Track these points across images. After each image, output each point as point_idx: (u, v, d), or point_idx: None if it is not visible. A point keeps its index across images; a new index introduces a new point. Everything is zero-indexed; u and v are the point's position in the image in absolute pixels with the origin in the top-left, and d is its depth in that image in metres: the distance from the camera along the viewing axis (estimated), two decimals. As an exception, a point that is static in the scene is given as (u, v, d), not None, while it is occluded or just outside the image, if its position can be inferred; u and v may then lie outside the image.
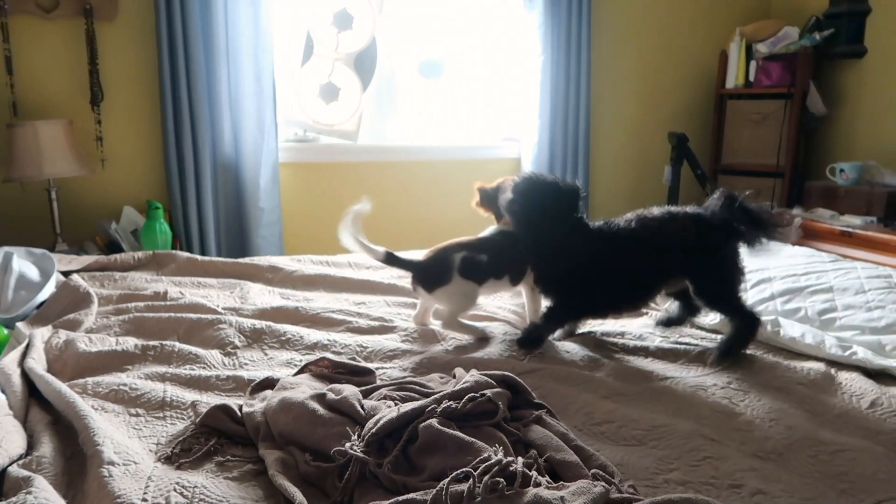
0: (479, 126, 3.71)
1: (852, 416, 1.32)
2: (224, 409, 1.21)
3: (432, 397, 1.15)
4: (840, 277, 1.97)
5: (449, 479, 0.93)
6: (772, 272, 2.06)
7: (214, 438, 1.15)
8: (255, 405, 1.22)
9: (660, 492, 1.04)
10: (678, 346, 1.68)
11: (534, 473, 0.96)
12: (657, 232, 1.64)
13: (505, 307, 2.00)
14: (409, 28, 3.50)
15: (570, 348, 1.65)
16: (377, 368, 1.48)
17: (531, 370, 1.49)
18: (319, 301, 2.01)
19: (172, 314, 1.76)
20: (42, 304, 1.86)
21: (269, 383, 1.35)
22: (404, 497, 0.93)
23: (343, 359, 1.51)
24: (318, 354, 1.57)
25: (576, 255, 1.64)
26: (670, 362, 1.60)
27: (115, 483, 0.98)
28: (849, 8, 3.47)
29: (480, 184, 1.85)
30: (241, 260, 2.35)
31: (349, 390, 1.20)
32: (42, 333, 1.61)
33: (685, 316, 1.80)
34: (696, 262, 1.64)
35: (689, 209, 1.72)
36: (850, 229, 3.05)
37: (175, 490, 1.00)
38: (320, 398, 1.17)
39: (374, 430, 1.07)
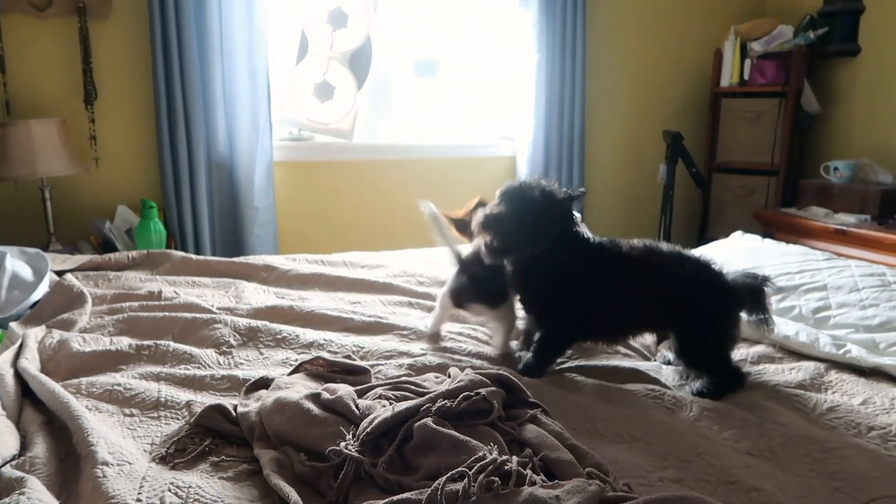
0: (474, 125, 3.71)
1: (845, 415, 1.33)
2: (219, 409, 1.20)
3: (427, 396, 1.15)
4: (834, 276, 1.97)
5: (444, 478, 0.93)
6: (766, 270, 2.06)
7: (209, 438, 1.15)
8: (249, 405, 1.22)
9: (654, 490, 1.05)
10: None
11: (529, 472, 0.96)
12: (657, 267, 1.47)
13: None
14: (404, 27, 3.50)
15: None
16: (372, 367, 1.48)
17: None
18: (314, 300, 2.00)
19: (167, 314, 1.75)
20: (36, 303, 1.85)
21: (263, 383, 1.34)
22: (399, 497, 0.92)
23: (339, 358, 1.51)
24: (313, 353, 1.57)
25: (572, 271, 1.47)
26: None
27: (109, 483, 0.98)
28: (843, 6, 3.48)
29: (463, 212, 1.79)
30: (235, 259, 2.34)
31: (344, 390, 1.20)
32: (35, 333, 1.60)
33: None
34: (685, 316, 1.47)
35: (702, 259, 1.52)
36: (844, 227, 3.06)
37: (170, 490, 0.99)
38: (315, 398, 1.17)
39: (368, 429, 1.06)
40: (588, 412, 1.30)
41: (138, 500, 0.96)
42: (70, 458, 1.10)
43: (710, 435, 1.23)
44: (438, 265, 2.27)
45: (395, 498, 0.93)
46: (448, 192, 3.55)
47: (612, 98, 3.78)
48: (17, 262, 1.98)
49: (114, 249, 2.73)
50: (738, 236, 2.58)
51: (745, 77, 3.63)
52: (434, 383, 1.31)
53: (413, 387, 1.27)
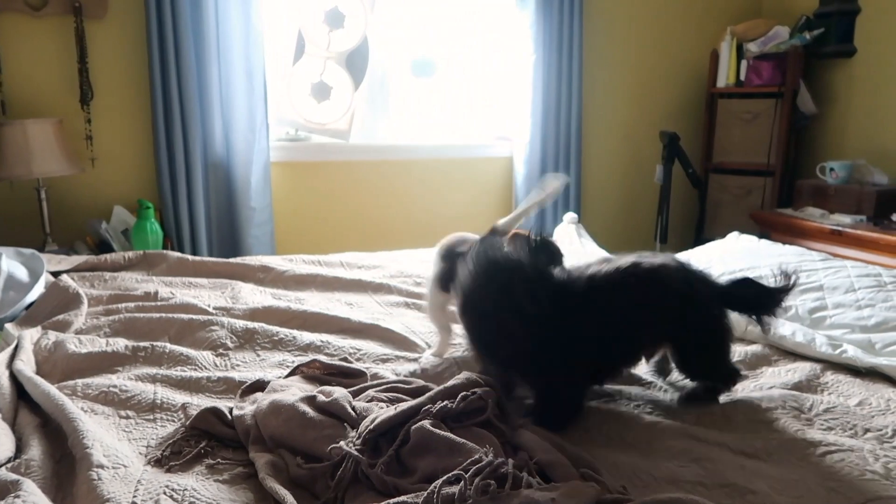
0: (471, 125, 3.71)
1: (840, 416, 1.33)
2: (214, 412, 1.20)
3: (427, 395, 1.15)
4: (830, 276, 1.98)
5: (440, 480, 0.93)
6: (762, 270, 2.07)
7: (204, 441, 1.15)
8: (245, 408, 1.22)
9: (650, 491, 1.05)
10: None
11: (524, 474, 0.96)
12: (633, 289, 1.33)
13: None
14: (401, 27, 3.49)
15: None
16: (368, 369, 1.47)
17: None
18: (311, 301, 2.00)
19: (163, 315, 1.75)
20: (31, 304, 1.84)
21: (259, 386, 1.34)
22: (396, 500, 0.92)
23: (335, 360, 1.51)
24: (310, 355, 1.57)
25: (545, 329, 1.26)
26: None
27: (104, 486, 0.98)
28: (838, 8, 3.48)
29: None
30: (232, 260, 2.34)
31: (339, 392, 1.20)
32: (31, 335, 1.60)
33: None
34: (678, 330, 1.37)
35: (682, 265, 1.39)
36: (839, 228, 3.07)
37: (165, 493, 0.99)
38: (310, 400, 1.17)
39: (371, 426, 1.06)
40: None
41: (133, 502, 0.96)
42: (65, 461, 1.10)
43: (705, 437, 1.23)
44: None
45: (392, 501, 0.93)
46: (445, 193, 3.56)
47: (609, 98, 3.78)
48: (12, 263, 1.98)
49: (110, 250, 2.73)
50: (734, 237, 2.59)
51: (742, 78, 3.64)
52: (426, 383, 1.32)
53: (405, 388, 1.27)
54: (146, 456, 1.12)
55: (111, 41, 2.91)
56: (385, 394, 1.23)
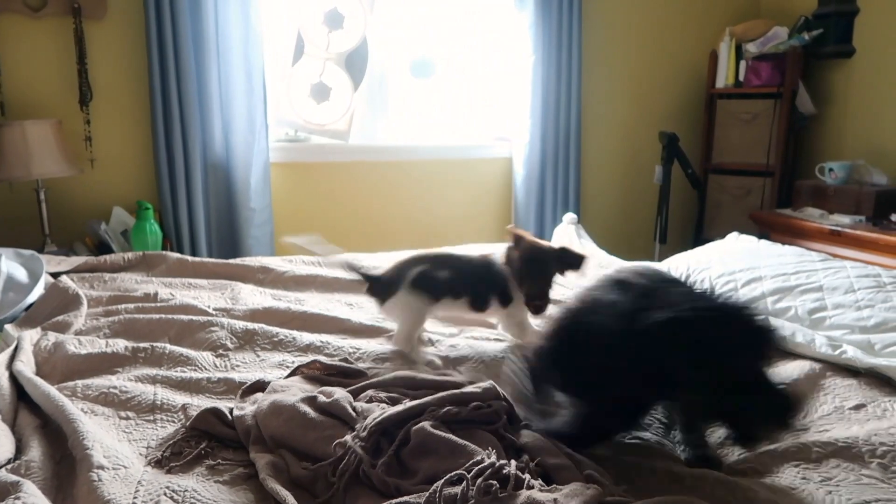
0: (470, 125, 3.71)
1: (837, 421, 1.32)
2: (214, 413, 1.20)
3: (435, 397, 1.14)
4: (830, 276, 1.98)
5: (442, 481, 0.93)
6: (762, 271, 2.07)
7: (205, 442, 1.15)
8: (245, 408, 1.22)
9: (650, 488, 1.05)
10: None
11: (527, 476, 0.96)
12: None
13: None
14: (400, 27, 3.50)
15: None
16: (369, 369, 1.47)
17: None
18: (311, 301, 2.00)
19: (163, 316, 1.75)
20: (31, 305, 1.84)
21: (259, 386, 1.34)
22: (397, 500, 0.92)
23: (336, 361, 1.51)
24: (310, 356, 1.57)
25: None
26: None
27: (104, 487, 0.97)
28: (837, 8, 3.49)
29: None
30: (231, 261, 2.34)
31: (340, 393, 1.20)
32: (31, 336, 1.60)
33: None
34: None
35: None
36: (839, 228, 3.07)
37: (165, 494, 0.99)
38: (311, 401, 1.17)
39: (379, 419, 1.06)
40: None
41: (133, 503, 0.96)
42: (65, 462, 1.10)
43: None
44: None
45: (394, 501, 0.92)
46: (444, 193, 3.56)
47: (608, 99, 3.79)
48: (11, 264, 1.98)
49: (109, 251, 2.72)
50: (733, 237, 2.59)
51: (741, 78, 3.64)
52: (432, 375, 1.31)
53: (405, 386, 1.26)
54: (146, 457, 1.12)
55: (110, 42, 2.91)
56: (385, 394, 1.23)
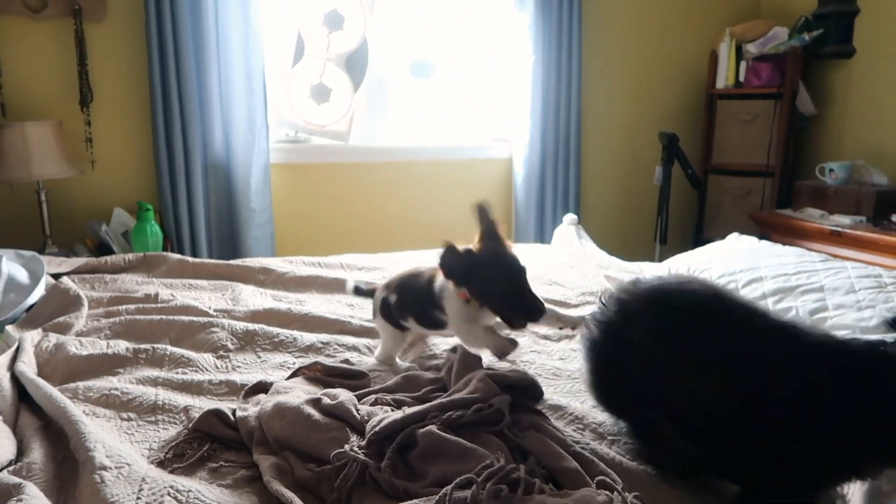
0: (470, 126, 3.71)
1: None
2: (217, 414, 1.20)
3: (438, 402, 1.14)
4: (830, 277, 1.98)
5: (452, 485, 0.92)
6: (763, 272, 2.07)
7: (207, 444, 1.15)
8: (248, 409, 1.22)
9: (659, 497, 1.04)
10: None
11: (536, 480, 0.96)
12: None
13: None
14: (400, 28, 3.50)
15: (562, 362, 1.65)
16: (371, 371, 1.47)
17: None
18: (312, 302, 2.00)
19: (164, 317, 1.75)
20: (32, 307, 1.84)
21: (262, 387, 1.34)
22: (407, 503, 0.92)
23: (337, 362, 1.51)
24: (311, 356, 1.57)
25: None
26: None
27: (107, 489, 0.97)
28: (837, 8, 3.49)
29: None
30: (232, 262, 2.34)
31: (344, 395, 1.20)
32: (32, 337, 1.60)
33: None
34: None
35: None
36: (839, 229, 3.07)
37: (169, 494, 0.99)
38: (316, 403, 1.17)
39: (377, 428, 1.06)
40: (583, 417, 1.30)
41: (137, 504, 0.96)
42: (67, 463, 1.10)
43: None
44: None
45: (403, 504, 0.92)
46: (444, 194, 3.56)
47: (608, 100, 3.79)
48: (12, 265, 1.98)
49: (110, 252, 2.72)
50: (734, 238, 2.59)
51: (741, 79, 3.64)
52: (429, 384, 1.31)
53: (410, 392, 1.27)
54: (148, 458, 1.11)
55: (111, 43, 2.91)
56: (391, 396, 1.23)
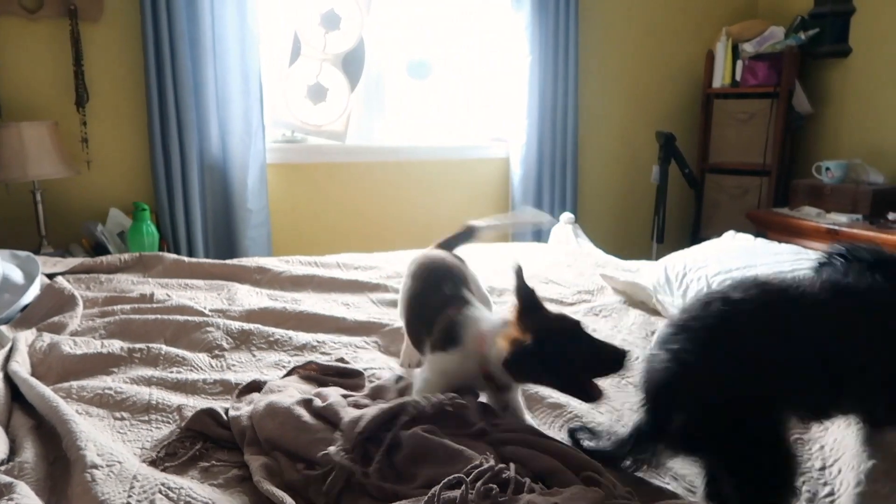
0: (467, 126, 3.71)
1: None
2: (209, 413, 1.20)
3: (405, 399, 1.13)
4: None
5: (440, 485, 0.91)
6: (758, 269, 2.06)
7: (200, 443, 1.14)
8: (241, 409, 1.22)
9: (652, 490, 1.04)
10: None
11: (527, 480, 0.94)
12: None
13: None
14: (397, 28, 3.50)
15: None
16: (366, 370, 1.47)
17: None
18: (307, 301, 2.00)
19: (159, 316, 1.75)
20: (26, 307, 1.84)
21: (255, 386, 1.34)
22: None
23: (331, 360, 1.50)
24: (306, 355, 1.57)
25: None
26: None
27: (98, 488, 0.97)
28: (833, 8, 3.49)
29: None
30: (228, 261, 2.33)
31: (334, 397, 1.19)
32: (26, 336, 1.59)
33: None
34: None
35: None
36: (836, 227, 3.07)
37: (160, 492, 0.98)
38: (307, 403, 1.16)
39: (359, 430, 1.05)
40: (584, 415, 1.30)
41: (128, 503, 0.96)
42: (59, 463, 1.09)
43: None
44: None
45: (391, 506, 0.91)
46: (441, 194, 3.56)
47: (605, 99, 3.79)
48: (7, 266, 1.97)
49: (106, 253, 2.72)
50: (730, 235, 2.58)
51: (737, 78, 3.65)
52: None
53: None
54: (140, 457, 1.11)
55: (107, 44, 2.90)
56: (370, 400, 1.22)
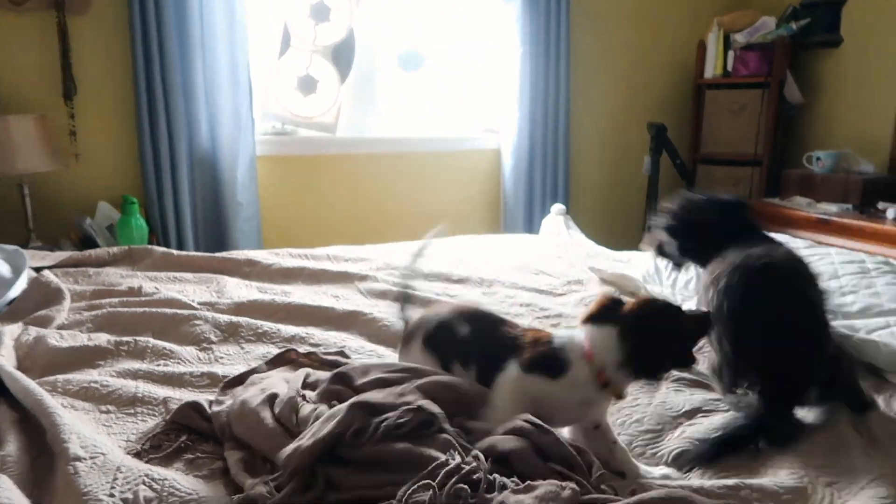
0: (458, 118, 3.70)
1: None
2: (194, 407, 1.19)
3: (364, 399, 1.04)
4: (814, 263, 1.98)
5: (408, 486, 0.86)
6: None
7: (184, 436, 1.14)
8: (224, 402, 1.21)
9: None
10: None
11: (496, 476, 0.90)
12: None
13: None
14: (388, 20, 3.48)
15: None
16: (357, 360, 1.47)
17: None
18: (297, 294, 1.99)
19: (147, 309, 1.74)
20: (13, 301, 1.83)
21: (242, 380, 1.33)
22: None
23: (319, 350, 1.50)
24: (294, 347, 1.56)
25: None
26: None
27: (81, 480, 0.97)
28: (824, -3, 3.49)
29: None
30: (217, 254, 2.32)
31: (284, 394, 1.16)
32: (12, 330, 1.58)
33: None
34: None
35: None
36: (826, 216, 3.08)
37: (144, 483, 0.98)
38: (272, 402, 1.15)
39: (291, 466, 0.96)
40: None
41: (111, 494, 0.95)
42: (44, 456, 1.09)
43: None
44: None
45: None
46: (432, 185, 3.55)
47: (597, 90, 3.78)
48: (-6, 260, 1.96)
49: (94, 246, 2.70)
50: (721, 226, 2.58)
51: (729, 68, 3.64)
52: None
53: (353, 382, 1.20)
54: (125, 450, 1.11)
55: (94, 36, 2.88)
56: (333, 386, 1.18)
